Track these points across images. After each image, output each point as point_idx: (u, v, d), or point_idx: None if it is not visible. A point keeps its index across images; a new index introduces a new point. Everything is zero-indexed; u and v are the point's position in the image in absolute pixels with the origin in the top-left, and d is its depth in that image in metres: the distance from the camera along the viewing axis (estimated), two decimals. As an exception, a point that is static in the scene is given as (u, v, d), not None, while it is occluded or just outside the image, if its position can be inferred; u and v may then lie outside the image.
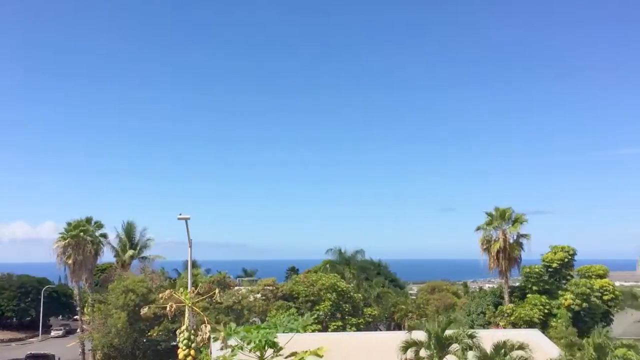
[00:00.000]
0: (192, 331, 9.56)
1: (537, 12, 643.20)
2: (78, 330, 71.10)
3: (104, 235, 64.67)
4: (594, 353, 25.54)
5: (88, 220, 63.44)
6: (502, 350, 25.91)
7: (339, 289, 56.45)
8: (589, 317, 52.64)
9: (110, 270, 68.18)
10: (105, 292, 55.35)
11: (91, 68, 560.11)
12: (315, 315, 52.64)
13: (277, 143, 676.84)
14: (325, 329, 52.57)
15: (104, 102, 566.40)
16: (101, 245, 63.99)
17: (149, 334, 49.38)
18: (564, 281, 56.24)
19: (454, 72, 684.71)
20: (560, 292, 54.29)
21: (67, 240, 60.46)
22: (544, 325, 50.52)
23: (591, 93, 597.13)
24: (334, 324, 54.14)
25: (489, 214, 56.20)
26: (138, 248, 68.01)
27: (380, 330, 63.29)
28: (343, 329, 53.46)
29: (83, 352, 60.31)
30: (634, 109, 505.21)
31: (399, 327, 61.49)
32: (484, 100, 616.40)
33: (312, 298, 55.56)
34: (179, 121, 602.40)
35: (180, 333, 9.59)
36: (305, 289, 56.09)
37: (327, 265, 69.01)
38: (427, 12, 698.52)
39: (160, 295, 9.91)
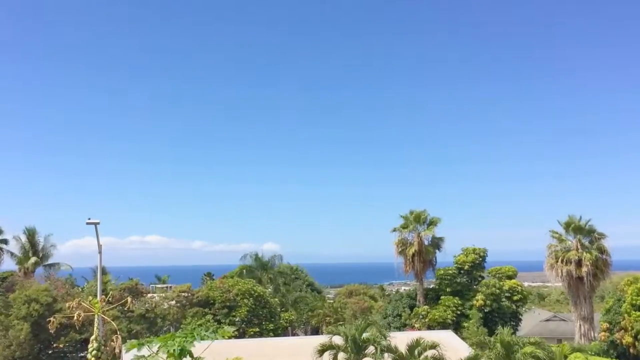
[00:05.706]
0: (102, 341, 8.99)
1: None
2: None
3: (4, 241, 60.96)
4: (502, 350, 26.50)
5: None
6: (416, 351, 26.42)
7: (256, 294, 55.91)
8: (499, 317, 54.91)
9: (12, 278, 64.25)
10: (6, 302, 52.20)
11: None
12: (234, 324, 51.86)
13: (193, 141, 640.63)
14: (242, 334, 51.82)
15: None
16: (0, 252, 60.26)
17: (55, 345, 47.04)
18: (475, 282, 58.33)
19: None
20: (472, 293, 56.24)
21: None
22: (457, 326, 52.18)
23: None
24: (251, 329, 53.52)
25: (405, 217, 57.28)
26: (41, 255, 64.37)
27: (298, 335, 63.18)
28: (260, 334, 52.91)
29: (-20, 367, 56.48)
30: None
31: (316, 331, 61.59)
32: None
33: (228, 304, 54.69)
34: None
35: (90, 343, 9.00)
36: (221, 294, 55.12)
37: (244, 271, 68.24)
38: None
39: (68, 304, 9.25)
